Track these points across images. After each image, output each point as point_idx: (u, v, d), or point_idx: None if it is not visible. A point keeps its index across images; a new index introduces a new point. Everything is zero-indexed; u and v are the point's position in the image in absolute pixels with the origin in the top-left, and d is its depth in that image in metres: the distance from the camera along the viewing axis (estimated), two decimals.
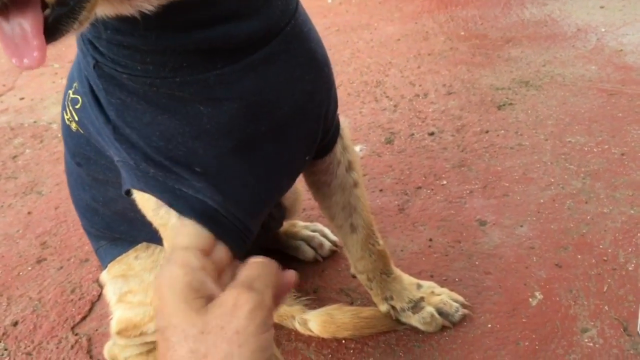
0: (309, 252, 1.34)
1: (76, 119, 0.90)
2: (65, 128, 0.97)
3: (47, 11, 0.55)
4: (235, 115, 0.73)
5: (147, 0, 0.65)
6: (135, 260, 1.06)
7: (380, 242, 1.06)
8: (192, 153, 0.74)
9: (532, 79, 1.97)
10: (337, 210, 1.01)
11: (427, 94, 1.99)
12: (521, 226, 1.33)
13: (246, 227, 0.81)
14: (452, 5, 2.71)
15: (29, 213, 1.75)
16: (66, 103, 0.93)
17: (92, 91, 0.77)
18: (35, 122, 2.37)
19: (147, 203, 0.78)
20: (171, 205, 0.77)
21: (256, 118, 0.74)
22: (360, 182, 1.00)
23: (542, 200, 1.40)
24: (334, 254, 1.36)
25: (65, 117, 0.95)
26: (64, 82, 2.84)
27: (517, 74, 2.01)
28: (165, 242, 0.81)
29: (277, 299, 0.62)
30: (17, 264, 1.54)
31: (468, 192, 1.48)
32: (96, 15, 0.69)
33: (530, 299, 1.14)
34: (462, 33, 2.41)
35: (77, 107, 0.88)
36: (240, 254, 0.74)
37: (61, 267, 1.49)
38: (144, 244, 1.06)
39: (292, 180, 0.92)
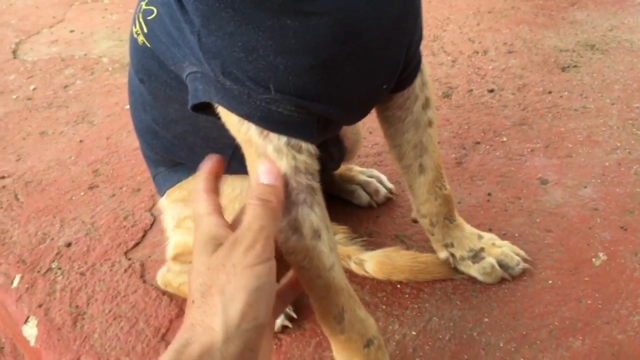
0: (364, 198, 1.32)
1: (145, 31, 0.88)
2: (133, 42, 0.95)
3: None
4: (322, 32, 0.70)
5: None
6: None
7: (447, 186, 1.04)
8: (271, 68, 0.72)
9: (598, 42, 1.90)
10: (408, 149, 0.98)
11: (486, 51, 1.93)
12: (585, 187, 1.29)
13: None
14: None
15: (80, 141, 1.76)
16: (137, 15, 0.91)
17: None
18: (85, 54, 2.36)
19: (229, 117, 0.76)
20: (247, 117, 0.75)
21: (342, 38, 0.72)
22: (434, 121, 0.97)
23: (607, 164, 1.36)
24: (389, 202, 1.34)
25: (134, 30, 0.93)
26: (114, 17, 2.83)
27: (582, 37, 1.94)
28: (248, 158, 0.79)
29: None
30: (69, 188, 1.55)
31: (529, 150, 1.44)
32: None
33: (594, 259, 1.11)
34: None
35: (149, 18, 0.86)
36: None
37: (113, 195, 1.50)
38: None
39: (367, 108, 0.89)
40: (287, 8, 0.68)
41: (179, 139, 0.99)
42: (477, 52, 1.93)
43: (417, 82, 0.91)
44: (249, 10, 0.69)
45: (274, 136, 0.74)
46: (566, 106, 1.59)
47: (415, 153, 0.98)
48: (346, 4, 0.70)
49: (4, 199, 1.54)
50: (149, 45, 0.88)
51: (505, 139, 1.49)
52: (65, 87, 2.10)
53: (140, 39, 0.90)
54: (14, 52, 2.47)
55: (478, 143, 1.49)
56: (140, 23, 0.89)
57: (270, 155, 0.75)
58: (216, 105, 0.77)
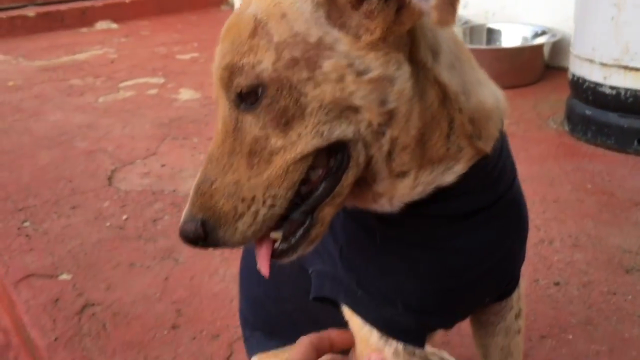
0: None
1: None
2: None
3: (277, 244, 0.78)
4: (448, 265, 0.84)
5: (389, 205, 0.80)
6: None
7: None
8: (400, 289, 0.85)
9: None
10: (495, 350, 1.07)
11: (552, 241, 2.04)
12: None
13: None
14: (579, 156, 2.77)
15: (166, 278, 1.89)
16: None
17: None
18: (174, 190, 2.57)
19: (354, 318, 0.88)
20: (372, 323, 0.87)
21: (464, 269, 0.85)
22: (523, 330, 1.07)
23: None
24: None
25: None
26: (202, 157, 3.08)
27: None
28: (360, 350, 0.90)
29: None
30: (153, 325, 1.66)
31: (594, 352, 1.49)
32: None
33: None
34: (589, 186, 2.46)
35: None
36: None
37: (194, 338, 1.60)
38: None
39: (467, 316, 1.00)
40: (422, 245, 0.82)
41: (285, 315, 1.11)
42: (543, 241, 2.04)
43: (515, 294, 1.02)
44: (389, 242, 0.83)
45: (392, 341, 0.86)
46: (630, 311, 1.65)
47: (501, 356, 1.07)
48: (472, 245, 0.83)
49: (93, 327, 1.66)
50: None
51: (570, 336, 1.56)
52: (154, 220, 2.28)
53: None
54: (109, 179, 2.70)
55: (544, 337, 1.56)
56: None
57: (388, 357, 0.86)
58: (341, 303, 0.89)
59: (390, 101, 0.72)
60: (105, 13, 6.32)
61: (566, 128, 3.04)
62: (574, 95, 2.99)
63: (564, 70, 3.35)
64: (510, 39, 3.95)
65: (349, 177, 0.74)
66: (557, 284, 1.79)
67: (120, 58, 5.03)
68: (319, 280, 0.92)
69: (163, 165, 2.85)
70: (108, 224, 2.27)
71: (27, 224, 2.29)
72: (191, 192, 0.77)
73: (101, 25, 6.26)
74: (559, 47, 3.82)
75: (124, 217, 2.32)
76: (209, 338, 1.60)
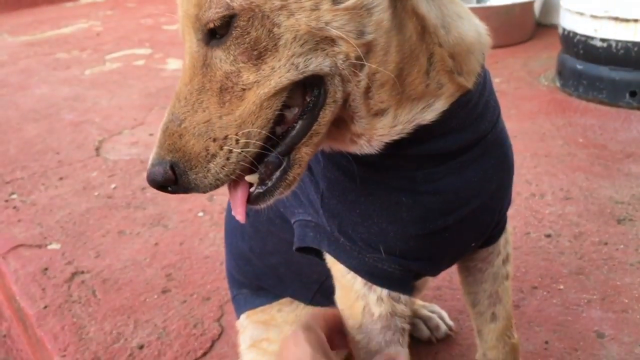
0: (424, 332, 1.39)
1: None
2: None
3: (253, 188, 0.74)
4: (432, 208, 0.82)
5: (369, 146, 0.77)
6: (278, 313, 1.14)
7: (515, 335, 1.10)
8: (382, 234, 0.83)
9: None
10: (483, 297, 1.06)
11: (543, 195, 2.02)
12: None
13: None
14: (571, 111, 2.75)
15: (155, 244, 1.88)
16: None
17: None
18: None
19: (337, 265, 0.86)
20: (354, 270, 0.85)
21: (447, 212, 0.83)
22: (511, 275, 1.06)
23: None
24: (448, 338, 1.39)
25: None
26: None
27: (638, 190, 2.02)
28: (344, 298, 0.89)
29: None
30: (144, 290, 1.65)
31: (586, 301, 1.49)
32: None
33: None
34: (581, 140, 2.44)
35: None
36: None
37: (184, 301, 1.59)
38: (288, 299, 1.14)
39: (455, 262, 0.99)
40: (404, 188, 0.80)
41: (271, 269, 1.10)
42: (535, 195, 2.02)
43: (502, 239, 1.01)
44: (370, 186, 0.81)
45: (376, 287, 0.84)
46: (622, 259, 1.65)
47: (489, 302, 1.06)
48: (455, 186, 0.81)
49: (82, 294, 1.65)
50: None
51: (562, 286, 1.55)
52: (143, 189, 2.26)
53: None
54: (97, 149, 2.67)
55: (535, 288, 1.55)
56: None
57: (371, 302, 0.84)
58: (324, 252, 0.87)
59: (368, 32, 0.69)
60: None
61: (557, 84, 3.01)
62: (564, 50, 2.95)
63: (555, 28, 3.30)
64: None
65: (326, 115, 0.72)
66: (548, 236, 1.78)
67: (107, 30, 4.96)
68: (302, 230, 0.90)
69: (151, 135, 2.82)
70: (96, 193, 2.24)
71: (14, 196, 2.27)
72: (158, 133, 0.73)
73: None
74: (550, 4, 3.77)
75: (113, 186, 2.30)
76: (199, 301, 1.59)
